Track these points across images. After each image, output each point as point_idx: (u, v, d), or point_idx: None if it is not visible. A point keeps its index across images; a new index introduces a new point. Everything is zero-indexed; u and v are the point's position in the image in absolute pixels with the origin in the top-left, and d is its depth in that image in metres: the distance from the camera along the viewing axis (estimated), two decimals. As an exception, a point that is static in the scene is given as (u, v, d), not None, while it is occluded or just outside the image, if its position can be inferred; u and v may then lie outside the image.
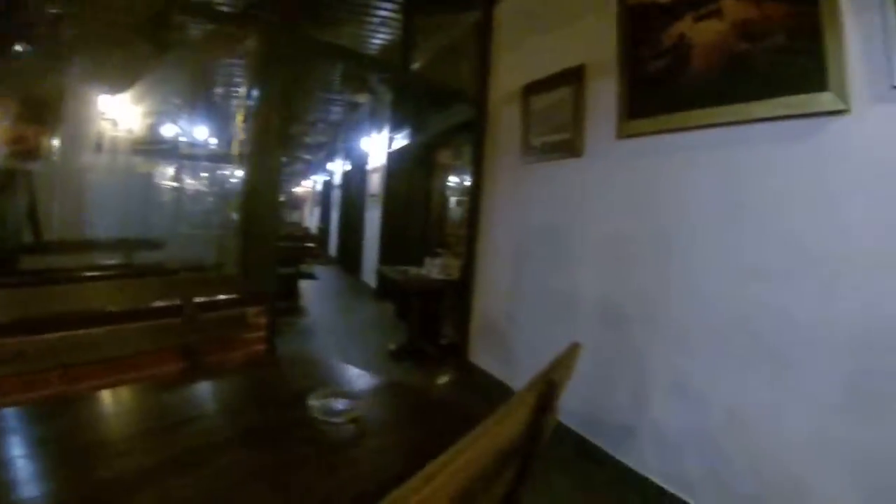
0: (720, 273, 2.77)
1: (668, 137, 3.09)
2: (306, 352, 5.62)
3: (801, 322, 2.39)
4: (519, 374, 4.41)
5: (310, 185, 26.35)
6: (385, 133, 9.47)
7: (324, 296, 9.85)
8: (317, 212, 21.63)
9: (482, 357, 5.02)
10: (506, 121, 4.78)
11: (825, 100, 2.37)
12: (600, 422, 3.47)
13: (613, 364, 3.38)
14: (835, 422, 2.24)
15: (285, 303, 8.34)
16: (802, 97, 2.45)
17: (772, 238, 2.55)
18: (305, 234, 9.08)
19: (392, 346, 5.85)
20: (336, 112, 12.53)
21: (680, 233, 3.00)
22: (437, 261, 5.84)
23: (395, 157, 8.81)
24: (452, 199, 7.48)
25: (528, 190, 4.42)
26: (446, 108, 6.40)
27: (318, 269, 13.65)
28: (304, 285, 10.62)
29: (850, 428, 2.19)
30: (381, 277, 6.69)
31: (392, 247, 8.63)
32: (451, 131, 6.38)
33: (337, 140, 14.93)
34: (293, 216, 28.05)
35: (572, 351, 1.44)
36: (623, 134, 3.38)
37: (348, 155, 13.51)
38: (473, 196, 5.12)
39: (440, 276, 5.62)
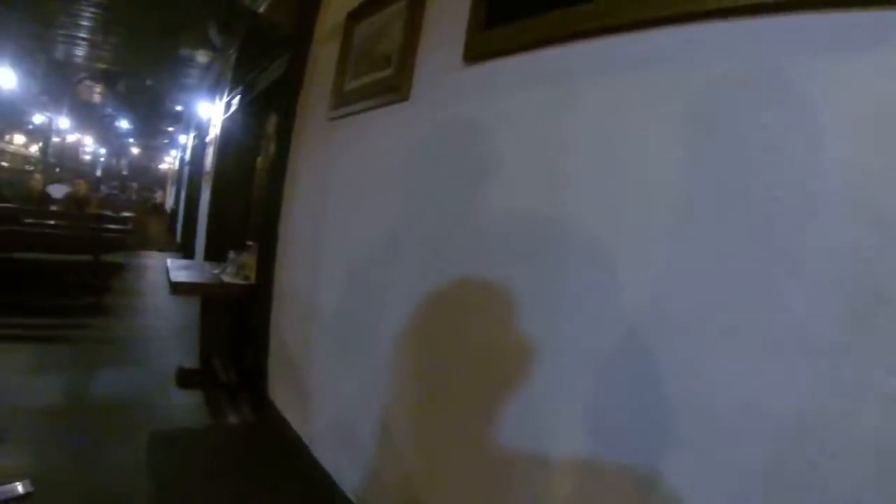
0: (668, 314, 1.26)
1: (565, 51, 1.57)
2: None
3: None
4: (315, 427, 2.88)
5: (171, 161, 23.77)
6: (225, 98, 7.69)
7: (145, 290, 7.99)
8: (173, 192, 19.20)
9: (281, 395, 3.47)
10: (324, 66, 3.24)
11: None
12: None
13: (444, 452, 1.89)
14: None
15: (87, 300, 6.53)
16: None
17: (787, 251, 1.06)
18: (101, 216, 7.21)
19: (185, 367, 4.22)
20: (193, 75, 10.54)
21: (586, 228, 1.45)
22: (238, 258, 4.22)
23: (227, 127, 7.07)
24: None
25: (331, 159, 2.90)
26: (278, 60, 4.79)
27: (163, 256, 11.62)
28: (133, 277, 8.77)
29: None
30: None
31: (217, 235, 6.88)
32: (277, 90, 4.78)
33: (190, 108, 12.88)
34: (157, 196, 25.49)
35: None
36: (474, 54, 1.87)
37: (197, 126, 11.53)
38: (274, 172, 3.56)
39: (235, 280, 3.99)
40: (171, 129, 18.78)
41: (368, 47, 2.60)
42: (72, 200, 8.01)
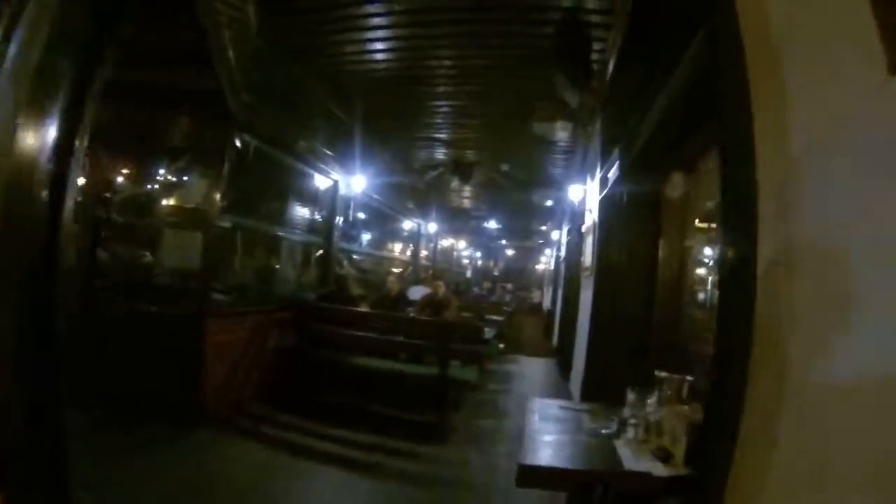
0: None
1: None
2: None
3: None
4: None
5: (546, 260, 23.47)
6: (598, 173, 6.26)
7: (506, 409, 6.64)
8: (549, 292, 18.56)
9: None
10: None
11: None
12: None
13: None
14: None
15: (425, 417, 5.52)
16: None
17: None
18: (447, 325, 6.07)
19: None
20: (558, 161, 9.51)
21: None
22: (645, 408, 2.46)
23: (606, 207, 5.58)
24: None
25: None
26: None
27: (536, 362, 10.49)
28: (496, 389, 7.62)
29: None
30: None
31: (603, 354, 5.31)
32: (680, 120, 3.06)
33: (560, 201, 11.94)
34: (533, 296, 25.63)
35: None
36: None
37: (570, 216, 10.43)
38: (733, 255, 1.74)
39: (639, 457, 2.19)
40: (543, 227, 18.40)
41: None
42: (427, 304, 7.24)
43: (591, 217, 6.48)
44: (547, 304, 18.86)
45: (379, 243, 13.63)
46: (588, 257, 6.61)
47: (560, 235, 13.36)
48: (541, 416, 2.83)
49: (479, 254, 26.37)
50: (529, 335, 14.18)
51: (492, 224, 17.40)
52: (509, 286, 21.01)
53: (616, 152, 4.86)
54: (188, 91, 4.75)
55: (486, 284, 17.29)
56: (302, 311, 6.11)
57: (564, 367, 8.94)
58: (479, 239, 22.58)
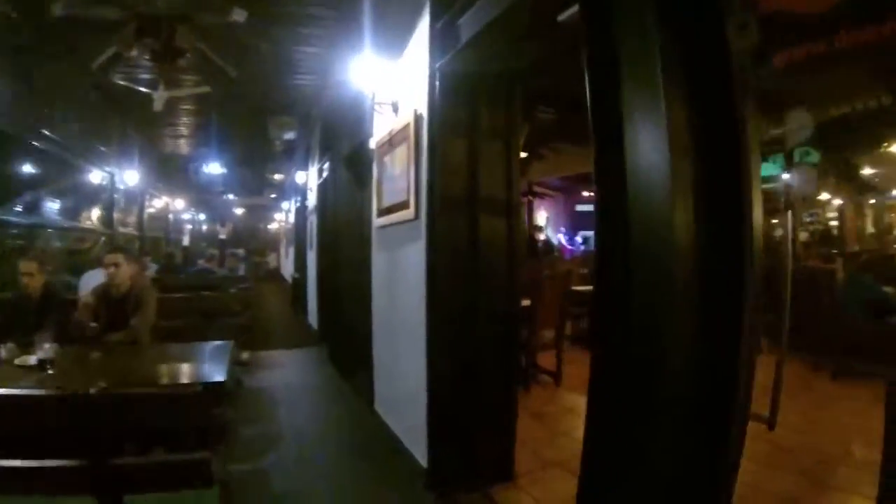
0: None
1: None
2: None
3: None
4: None
5: (282, 218, 19.96)
6: (419, 36, 3.58)
7: (281, 469, 3.60)
8: (291, 255, 15.33)
9: None
10: None
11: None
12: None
13: None
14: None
15: None
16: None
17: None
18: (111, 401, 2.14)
19: None
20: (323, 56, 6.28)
21: None
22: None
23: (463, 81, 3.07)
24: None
25: None
26: None
27: (298, 360, 7.39)
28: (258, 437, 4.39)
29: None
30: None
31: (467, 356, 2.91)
32: None
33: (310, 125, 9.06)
34: (268, 260, 22.36)
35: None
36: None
37: (328, 142, 7.48)
38: None
39: None
40: (278, 175, 15.28)
41: None
42: (98, 308, 3.82)
43: (405, 117, 3.79)
44: (289, 269, 15.82)
45: (72, 211, 8.87)
46: (401, 190, 3.92)
47: (307, 177, 10.25)
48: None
49: (202, 216, 22.01)
50: (274, 313, 11.27)
51: (215, 169, 13.46)
52: (241, 252, 17.52)
53: None
54: None
55: (212, 252, 13.35)
56: None
57: (345, 367, 6.23)
58: (202, 196, 18.24)
